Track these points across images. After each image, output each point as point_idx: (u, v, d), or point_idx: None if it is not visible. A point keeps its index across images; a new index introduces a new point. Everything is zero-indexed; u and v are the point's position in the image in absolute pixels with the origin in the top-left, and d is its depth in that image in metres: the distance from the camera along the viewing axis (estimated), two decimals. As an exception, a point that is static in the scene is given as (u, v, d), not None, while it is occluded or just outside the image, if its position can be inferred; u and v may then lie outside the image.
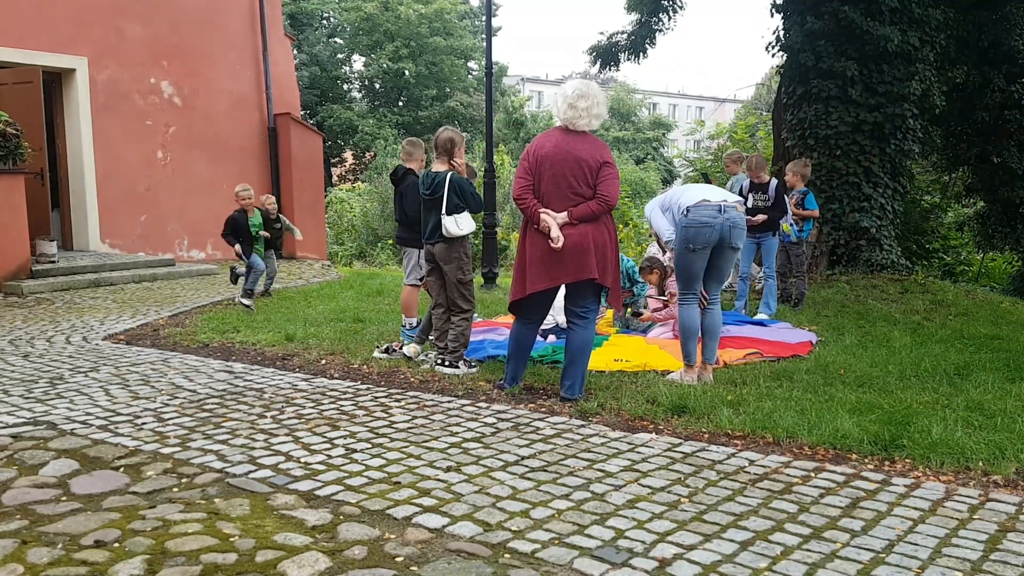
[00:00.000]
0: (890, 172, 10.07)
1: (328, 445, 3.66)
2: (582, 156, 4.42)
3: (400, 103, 36.58)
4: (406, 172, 6.21)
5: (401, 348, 5.77)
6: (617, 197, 4.51)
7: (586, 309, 4.59)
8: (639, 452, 3.61)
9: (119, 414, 4.16)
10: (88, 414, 4.15)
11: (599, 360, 5.47)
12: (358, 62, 37.24)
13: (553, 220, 4.41)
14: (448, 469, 3.34)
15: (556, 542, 2.65)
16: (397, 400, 4.50)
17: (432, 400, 4.52)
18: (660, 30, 12.93)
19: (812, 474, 3.34)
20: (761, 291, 7.90)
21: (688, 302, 4.98)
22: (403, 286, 6.39)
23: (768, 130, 13.77)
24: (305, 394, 4.63)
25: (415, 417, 4.14)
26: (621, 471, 3.35)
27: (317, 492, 3.07)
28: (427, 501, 2.98)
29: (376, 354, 5.67)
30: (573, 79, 5.01)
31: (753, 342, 6.10)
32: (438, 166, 5.32)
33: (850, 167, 9.88)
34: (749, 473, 3.34)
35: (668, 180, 36.31)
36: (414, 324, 6.28)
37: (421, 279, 6.00)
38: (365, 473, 3.29)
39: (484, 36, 14.52)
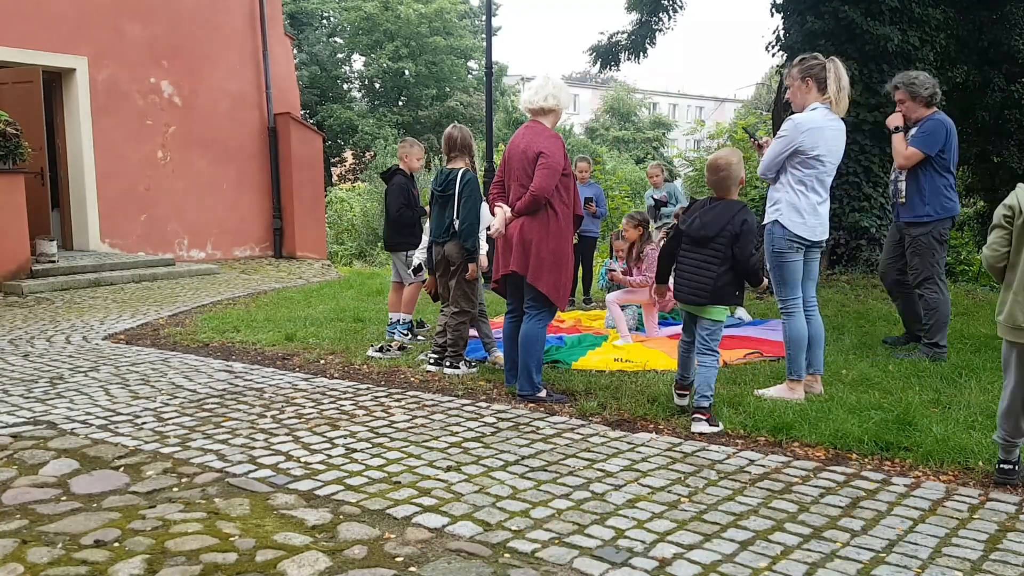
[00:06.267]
0: (890, 173, 10.06)
1: (328, 445, 3.66)
2: (524, 147, 4.48)
3: (400, 103, 36.60)
4: (395, 172, 6.24)
5: (399, 348, 5.78)
6: (545, 188, 4.33)
7: (530, 304, 4.56)
8: (639, 452, 3.61)
9: (119, 414, 4.16)
10: (88, 414, 4.15)
11: (599, 360, 5.48)
12: (358, 62, 37.28)
13: (501, 213, 4.59)
14: (448, 469, 3.34)
15: (556, 542, 2.65)
16: (397, 400, 4.50)
17: (432, 400, 4.52)
18: (660, 30, 12.95)
19: (812, 474, 3.34)
20: None
21: (794, 310, 4.51)
22: (405, 286, 6.42)
23: (768, 130, 13.77)
24: (305, 394, 4.63)
25: (415, 417, 4.14)
26: (621, 471, 3.35)
27: (317, 492, 3.07)
28: (427, 501, 2.98)
29: (370, 352, 5.66)
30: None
31: (753, 342, 6.10)
32: (456, 163, 5.23)
33: (850, 167, 9.87)
34: (749, 473, 3.34)
35: (668, 180, 36.27)
36: (406, 319, 6.30)
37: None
38: (365, 473, 3.29)
39: (484, 36, 14.52)
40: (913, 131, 5.55)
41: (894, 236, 5.91)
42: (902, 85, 5.55)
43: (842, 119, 4.52)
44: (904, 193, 5.59)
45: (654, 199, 8.57)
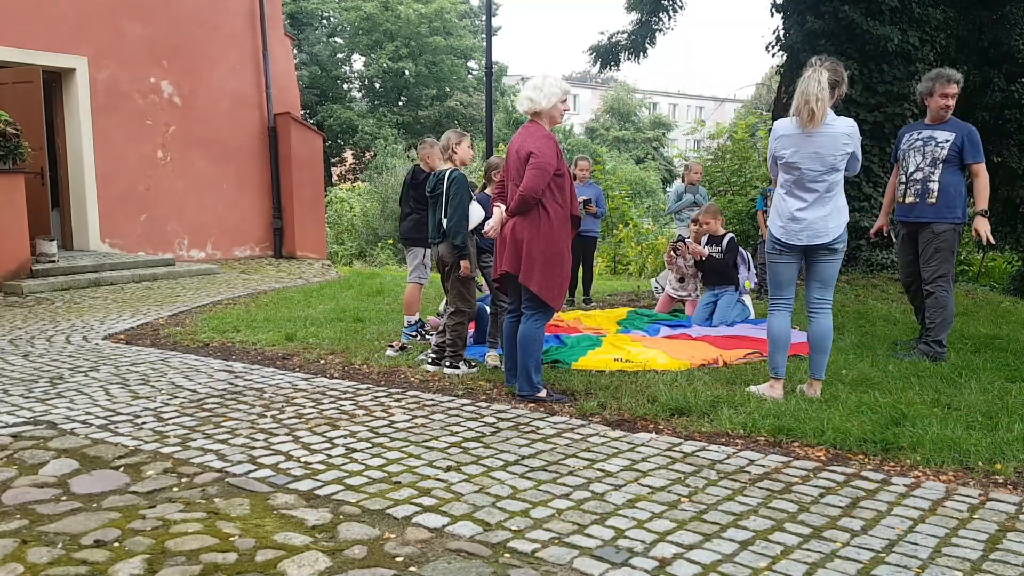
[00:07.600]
0: (890, 172, 10.05)
1: (328, 445, 3.66)
2: (518, 148, 4.52)
3: (400, 103, 36.62)
4: (428, 173, 6.23)
5: (400, 348, 5.78)
6: (534, 188, 4.32)
7: (526, 304, 4.57)
8: (639, 452, 3.61)
9: (119, 414, 4.16)
10: (88, 414, 4.15)
11: (599, 360, 5.48)
12: (358, 62, 37.30)
13: (498, 213, 4.65)
14: (448, 469, 3.34)
15: (556, 542, 2.65)
16: (397, 400, 4.50)
17: (432, 400, 4.52)
18: (660, 30, 12.95)
19: (812, 474, 3.34)
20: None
21: (775, 309, 4.57)
22: (407, 284, 6.42)
23: (768, 130, 13.77)
24: (305, 394, 4.63)
25: (415, 417, 4.14)
26: (621, 471, 3.35)
27: (317, 492, 3.07)
28: (427, 501, 2.98)
29: (420, 357, 5.63)
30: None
31: (753, 342, 6.10)
32: (443, 165, 5.33)
33: (850, 167, 9.86)
34: (749, 473, 3.34)
35: (668, 180, 36.40)
36: (413, 322, 6.28)
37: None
38: (365, 473, 3.29)
39: (484, 36, 14.54)
40: (947, 138, 5.38)
41: (909, 240, 5.71)
42: (958, 83, 5.39)
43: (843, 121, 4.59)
44: (936, 193, 5.42)
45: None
